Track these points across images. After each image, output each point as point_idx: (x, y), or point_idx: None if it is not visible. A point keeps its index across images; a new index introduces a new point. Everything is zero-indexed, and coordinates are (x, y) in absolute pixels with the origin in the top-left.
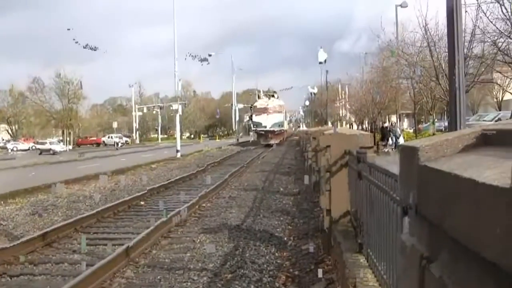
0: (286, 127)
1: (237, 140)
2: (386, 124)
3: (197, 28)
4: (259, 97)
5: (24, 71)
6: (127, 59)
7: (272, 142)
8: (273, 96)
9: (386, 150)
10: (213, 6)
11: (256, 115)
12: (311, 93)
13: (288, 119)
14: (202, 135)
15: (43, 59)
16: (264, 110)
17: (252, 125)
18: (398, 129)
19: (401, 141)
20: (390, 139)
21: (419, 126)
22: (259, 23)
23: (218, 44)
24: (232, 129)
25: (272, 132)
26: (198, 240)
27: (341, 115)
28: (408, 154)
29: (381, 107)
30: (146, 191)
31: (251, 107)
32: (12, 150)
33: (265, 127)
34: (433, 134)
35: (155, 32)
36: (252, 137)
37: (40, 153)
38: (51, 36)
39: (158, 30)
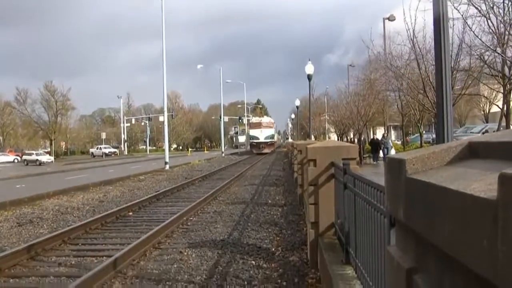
0: (276, 139)
1: (222, 153)
2: (377, 136)
3: (187, 42)
4: (248, 110)
5: (13, 83)
6: (117, 71)
7: (264, 151)
8: (266, 115)
9: (375, 162)
10: (203, 21)
11: (251, 129)
12: (296, 106)
13: (276, 132)
14: (189, 148)
15: (33, 72)
16: (258, 125)
17: (248, 138)
18: (389, 141)
19: (392, 153)
20: (381, 151)
21: (407, 138)
22: (247, 37)
23: (207, 57)
24: (217, 142)
25: (265, 143)
26: (186, 253)
27: (326, 128)
28: (395, 166)
29: (366, 119)
30: (134, 203)
31: (239, 120)
32: None
33: (259, 139)
34: (421, 146)
35: (145, 46)
36: (239, 149)
37: (27, 164)
38: (42, 49)
39: (149, 44)
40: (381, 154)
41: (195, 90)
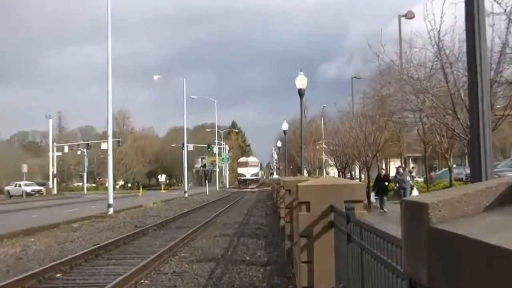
0: (260, 176)
1: (184, 192)
2: (387, 171)
3: (144, 47)
4: (220, 136)
5: None
6: (47, 83)
7: (251, 187)
8: (243, 141)
9: (382, 210)
10: (166, 20)
11: (239, 168)
12: (284, 131)
13: (261, 170)
14: (142, 185)
15: None
16: (245, 164)
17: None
18: (407, 177)
19: (415, 192)
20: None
21: (431, 174)
22: (220, 42)
23: (168, 67)
24: (179, 178)
25: (251, 180)
26: None
27: (323, 160)
28: (415, 212)
29: (376, 148)
30: (64, 260)
31: (208, 148)
32: None
33: (245, 176)
34: (450, 185)
35: (89, 50)
36: (207, 188)
37: None
38: None
39: (93, 48)
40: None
41: (150, 109)
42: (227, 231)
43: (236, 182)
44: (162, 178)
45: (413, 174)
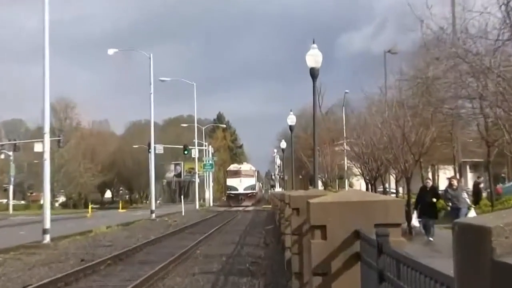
0: (257, 189)
1: (151, 212)
2: (433, 182)
3: (89, 11)
4: (201, 134)
5: None
6: None
7: (245, 204)
8: (235, 140)
9: (428, 238)
10: None
11: (229, 178)
12: (290, 128)
13: (259, 181)
14: (91, 203)
15: None
16: (237, 174)
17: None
18: (464, 193)
19: (471, 214)
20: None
21: (497, 186)
22: (201, 5)
23: (126, 40)
24: (144, 191)
25: (245, 195)
26: None
27: (345, 167)
28: (473, 240)
29: (420, 150)
30: None
31: (185, 151)
32: None
33: (237, 190)
34: None
35: (11, 15)
36: (183, 207)
37: None
38: None
39: (18, 12)
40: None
41: (104, 96)
42: (211, 266)
43: (224, 198)
44: (120, 192)
45: (482, 185)
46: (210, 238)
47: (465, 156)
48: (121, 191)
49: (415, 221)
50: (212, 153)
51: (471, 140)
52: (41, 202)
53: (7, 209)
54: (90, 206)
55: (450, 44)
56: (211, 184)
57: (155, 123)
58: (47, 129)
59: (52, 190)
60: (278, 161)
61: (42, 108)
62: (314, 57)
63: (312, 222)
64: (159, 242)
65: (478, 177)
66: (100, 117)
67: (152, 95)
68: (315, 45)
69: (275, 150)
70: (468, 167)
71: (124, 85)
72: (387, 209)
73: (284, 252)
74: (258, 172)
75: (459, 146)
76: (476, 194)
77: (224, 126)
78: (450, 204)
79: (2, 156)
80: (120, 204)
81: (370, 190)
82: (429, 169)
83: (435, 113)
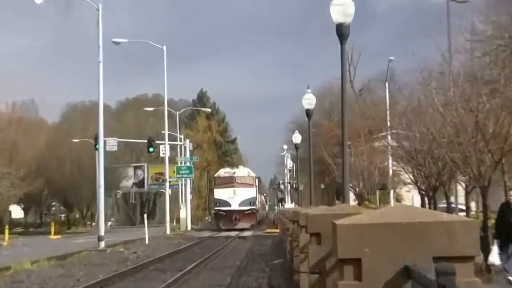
0: (258, 205)
1: (99, 239)
2: None
3: None
4: (176, 122)
5: None
6: None
7: (240, 226)
8: (224, 132)
9: (507, 272)
10: None
11: (218, 189)
12: (307, 113)
13: (260, 194)
14: (9, 225)
15: None
16: (229, 182)
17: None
18: None
19: None
20: None
21: None
22: None
23: None
24: (88, 207)
25: (241, 212)
26: None
27: (390, 171)
28: None
29: (502, 147)
30: None
31: (150, 147)
32: None
33: (230, 205)
34: None
35: None
36: (147, 231)
37: None
38: None
39: None
40: None
41: (29, 68)
42: None
43: (209, 217)
44: (52, 210)
45: None
46: (188, 279)
47: None
48: (53, 208)
49: (495, 257)
50: (191, 151)
51: None
52: None
53: None
54: (6, 230)
55: None
56: (189, 197)
57: (105, 106)
58: None
59: None
60: (289, 163)
61: None
62: (342, 8)
63: (340, 254)
64: (111, 285)
65: None
66: (24, 97)
67: (101, 65)
68: None
69: (285, 147)
70: None
71: (60, 52)
72: (453, 235)
73: None
74: (259, 179)
75: None
76: None
77: (209, 110)
78: None
79: None
80: (53, 228)
81: (427, 206)
82: None
83: None
